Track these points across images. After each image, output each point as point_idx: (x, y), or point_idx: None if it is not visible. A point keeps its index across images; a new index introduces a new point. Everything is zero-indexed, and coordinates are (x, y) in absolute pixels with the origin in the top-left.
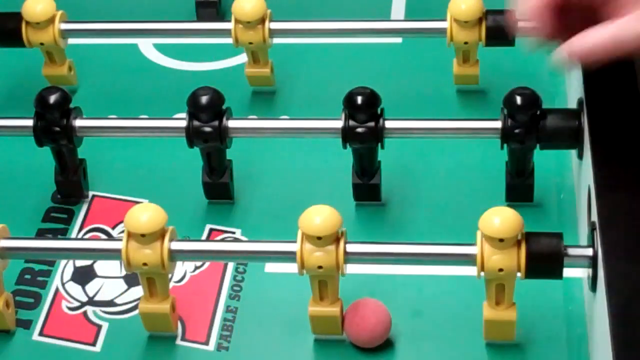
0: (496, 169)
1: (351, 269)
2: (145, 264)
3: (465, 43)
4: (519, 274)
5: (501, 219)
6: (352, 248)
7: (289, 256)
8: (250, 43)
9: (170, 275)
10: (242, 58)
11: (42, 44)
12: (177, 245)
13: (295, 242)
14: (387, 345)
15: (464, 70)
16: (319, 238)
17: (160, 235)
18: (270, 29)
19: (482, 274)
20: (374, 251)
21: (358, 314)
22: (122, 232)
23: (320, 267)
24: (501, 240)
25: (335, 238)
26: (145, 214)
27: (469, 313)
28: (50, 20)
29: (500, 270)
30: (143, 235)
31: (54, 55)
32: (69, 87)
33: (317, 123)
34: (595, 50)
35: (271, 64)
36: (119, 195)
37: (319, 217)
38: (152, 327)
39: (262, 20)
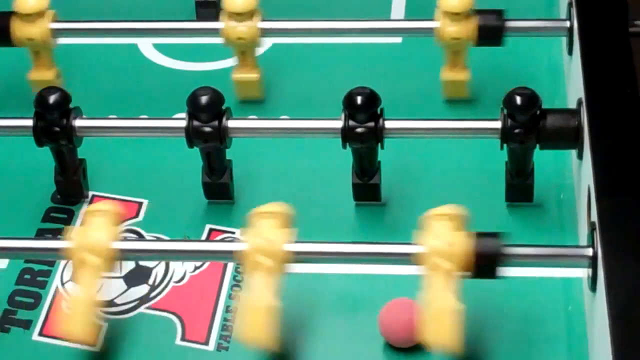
0: (496, 169)
1: (351, 269)
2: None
3: (455, 39)
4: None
5: None
6: (306, 248)
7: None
8: (240, 39)
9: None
10: None
11: (30, 39)
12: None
13: None
14: (386, 345)
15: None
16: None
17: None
18: (265, 28)
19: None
20: (328, 251)
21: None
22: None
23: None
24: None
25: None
26: None
27: (469, 313)
28: (40, 15)
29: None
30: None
31: (42, 56)
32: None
33: (317, 123)
34: None
35: (260, 72)
36: (119, 195)
37: None
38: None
39: (251, 16)
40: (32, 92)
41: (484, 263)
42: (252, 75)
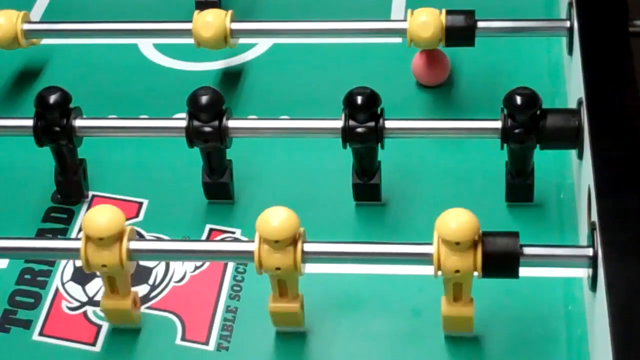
0: (496, 169)
1: (350, 268)
2: (104, 266)
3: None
4: (475, 274)
5: (458, 222)
6: (310, 248)
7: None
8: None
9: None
10: (243, 58)
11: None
12: (135, 245)
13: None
14: (387, 345)
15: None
16: (277, 242)
17: (118, 237)
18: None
19: (440, 273)
20: (332, 251)
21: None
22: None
23: (278, 268)
24: (457, 243)
25: (293, 240)
26: (103, 217)
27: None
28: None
29: (457, 271)
30: (101, 239)
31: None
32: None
33: (317, 123)
34: None
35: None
36: (119, 195)
37: (277, 220)
38: (116, 320)
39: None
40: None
41: (500, 263)
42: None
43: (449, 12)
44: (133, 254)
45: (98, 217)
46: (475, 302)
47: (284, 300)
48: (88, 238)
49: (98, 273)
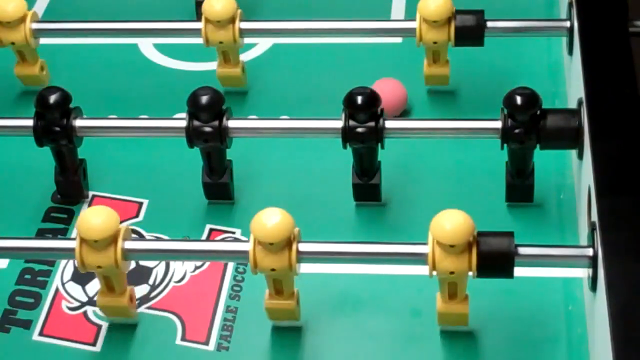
0: (496, 169)
1: (350, 268)
2: (99, 267)
3: (435, 43)
4: (470, 274)
5: (453, 224)
6: (305, 248)
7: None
8: (221, 42)
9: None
10: (243, 58)
11: (13, 43)
12: (130, 245)
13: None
14: (386, 345)
15: (433, 71)
16: (271, 244)
17: (113, 238)
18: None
19: (434, 273)
20: (327, 250)
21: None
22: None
23: (273, 269)
24: (452, 246)
25: (288, 242)
26: (97, 219)
27: (469, 313)
28: (22, 20)
29: (452, 273)
30: (96, 241)
31: (25, 54)
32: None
33: (317, 123)
34: None
35: (242, 65)
36: (119, 195)
37: (271, 222)
38: (112, 316)
39: (232, 20)
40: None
41: (495, 263)
42: (235, 70)
43: (458, 12)
44: (128, 254)
45: (92, 219)
46: (475, 302)
47: (280, 297)
48: (83, 240)
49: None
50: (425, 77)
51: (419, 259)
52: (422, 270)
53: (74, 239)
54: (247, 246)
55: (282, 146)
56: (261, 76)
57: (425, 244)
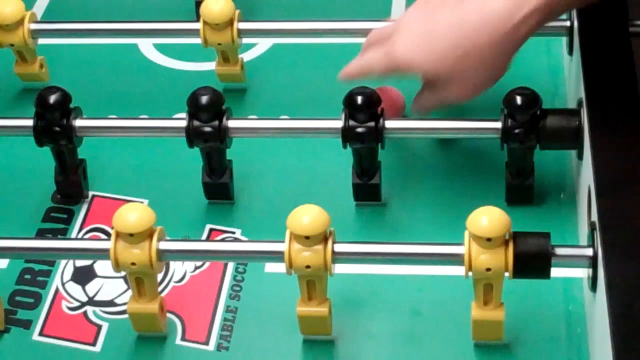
0: (496, 169)
1: (350, 268)
2: (133, 264)
3: (219, 44)
4: (507, 274)
5: (489, 218)
6: (340, 248)
7: (277, 255)
8: (219, 44)
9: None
10: (243, 58)
11: (12, 45)
12: (165, 245)
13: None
14: (387, 345)
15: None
16: (307, 237)
17: (148, 235)
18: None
19: (470, 273)
20: (362, 251)
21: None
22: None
23: (308, 266)
24: (489, 239)
25: (324, 237)
26: (134, 214)
27: (469, 313)
28: (20, 22)
29: (488, 269)
30: (131, 235)
31: (25, 54)
32: (41, 82)
33: (317, 123)
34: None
35: (241, 62)
36: (119, 195)
37: (308, 216)
38: (140, 327)
39: (230, 22)
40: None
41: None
42: (234, 68)
43: None
44: (163, 254)
45: (129, 213)
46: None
47: (312, 304)
48: (118, 235)
49: (123, 272)
50: None
51: (454, 259)
52: (422, 270)
53: (74, 239)
54: (250, 246)
55: (282, 146)
56: (261, 76)
57: (460, 244)
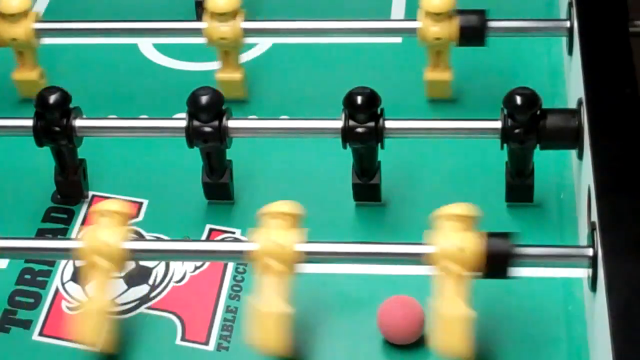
0: (496, 169)
1: (351, 268)
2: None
3: (437, 39)
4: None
5: None
6: (309, 248)
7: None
8: (223, 39)
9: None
10: (243, 58)
11: (14, 40)
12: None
13: None
14: (386, 345)
15: (435, 76)
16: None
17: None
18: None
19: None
20: (329, 251)
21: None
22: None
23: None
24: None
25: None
26: None
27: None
28: (24, 15)
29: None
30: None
31: (26, 56)
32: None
33: (317, 123)
34: None
35: (243, 72)
36: (119, 195)
37: None
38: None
39: (234, 16)
40: (18, 92)
41: (496, 263)
42: (236, 75)
43: (459, 12)
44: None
45: None
46: (475, 302)
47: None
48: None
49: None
50: (427, 83)
51: (419, 259)
52: (422, 270)
53: (75, 239)
54: (251, 246)
55: (282, 146)
56: (261, 76)
57: (423, 243)
